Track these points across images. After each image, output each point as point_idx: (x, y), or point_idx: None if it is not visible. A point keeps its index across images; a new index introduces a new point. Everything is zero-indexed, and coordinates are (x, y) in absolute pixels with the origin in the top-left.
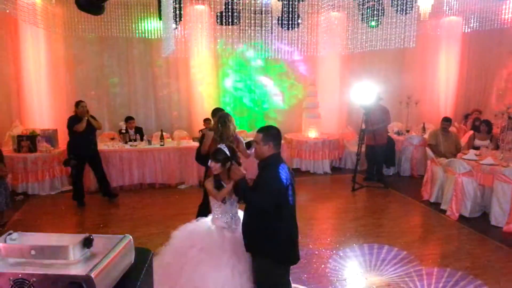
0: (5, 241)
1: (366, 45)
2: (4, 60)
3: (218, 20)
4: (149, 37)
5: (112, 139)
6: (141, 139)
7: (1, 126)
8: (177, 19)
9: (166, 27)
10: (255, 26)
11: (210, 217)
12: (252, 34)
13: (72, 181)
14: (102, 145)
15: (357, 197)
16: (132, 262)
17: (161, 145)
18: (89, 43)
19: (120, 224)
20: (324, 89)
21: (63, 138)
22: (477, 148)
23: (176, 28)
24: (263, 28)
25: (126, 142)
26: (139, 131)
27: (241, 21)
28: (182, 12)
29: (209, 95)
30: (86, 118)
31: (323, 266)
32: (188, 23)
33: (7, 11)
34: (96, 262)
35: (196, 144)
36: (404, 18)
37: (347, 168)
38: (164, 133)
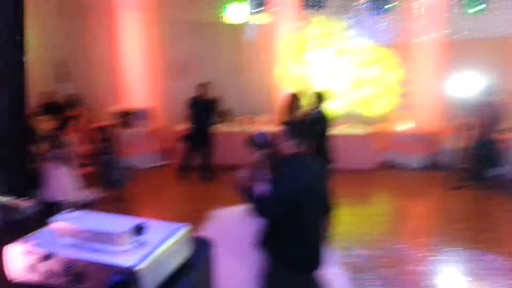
0: (64, 220)
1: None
2: (106, 43)
3: (304, 4)
4: (235, 21)
5: None
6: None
7: (103, 102)
8: (261, 3)
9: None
10: (343, 10)
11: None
12: (341, 19)
13: (184, 154)
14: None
15: (453, 197)
16: (189, 254)
17: (241, 128)
18: (181, 27)
19: (209, 201)
20: (420, 78)
21: (155, 117)
22: None
23: (260, 12)
24: (352, 13)
25: None
26: (222, 114)
27: (328, 4)
28: None
29: (293, 81)
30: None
31: (417, 268)
32: (274, 6)
33: None
34: (146, 252)
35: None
36: None
37: (441, 165)
38: (248, 117)
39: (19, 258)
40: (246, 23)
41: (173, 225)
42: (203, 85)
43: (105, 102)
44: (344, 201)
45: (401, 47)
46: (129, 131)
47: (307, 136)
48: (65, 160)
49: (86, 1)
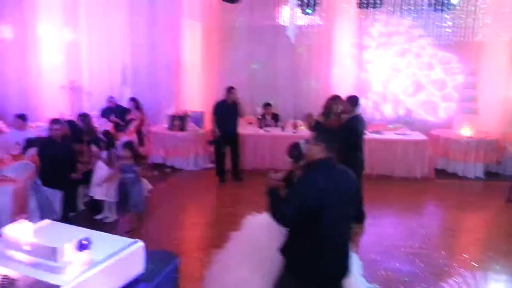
0: (15, 230)
1: None
2: (168, 51)
3: (360, 2)
4: (289, 24)
5: (250, 123)
6: (276, 125)
7: (162, 106)
8: (313, 4)
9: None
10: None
11: None
12: (399, 17)
13: (215, 159)
14: (240, 129)
15: None
16: (141, 271)
17: (293, 132)
18: (239, 32)
19: (247, 205)
20: (486, 80)
21: (209, 120)
22: None
23: (314, 12)
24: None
25: (261, 127)
26: (275, 117)
27: (386, 2)
28: None
29: (352, 85)
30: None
31: (456, 286)
32: (328, 6)
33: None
34: (84, 269)
35: None
36: None
37: (506, 175)
38: (298, 121)
39: None
40: (301, 25)
41: (123, 241)
42: (228, 89)
43: (164, 105)
44: (390, 211)
45: (465, 47)
46: (183, 133)
47: (336, 142)
48: (114, 162)
49: (153, 10)
